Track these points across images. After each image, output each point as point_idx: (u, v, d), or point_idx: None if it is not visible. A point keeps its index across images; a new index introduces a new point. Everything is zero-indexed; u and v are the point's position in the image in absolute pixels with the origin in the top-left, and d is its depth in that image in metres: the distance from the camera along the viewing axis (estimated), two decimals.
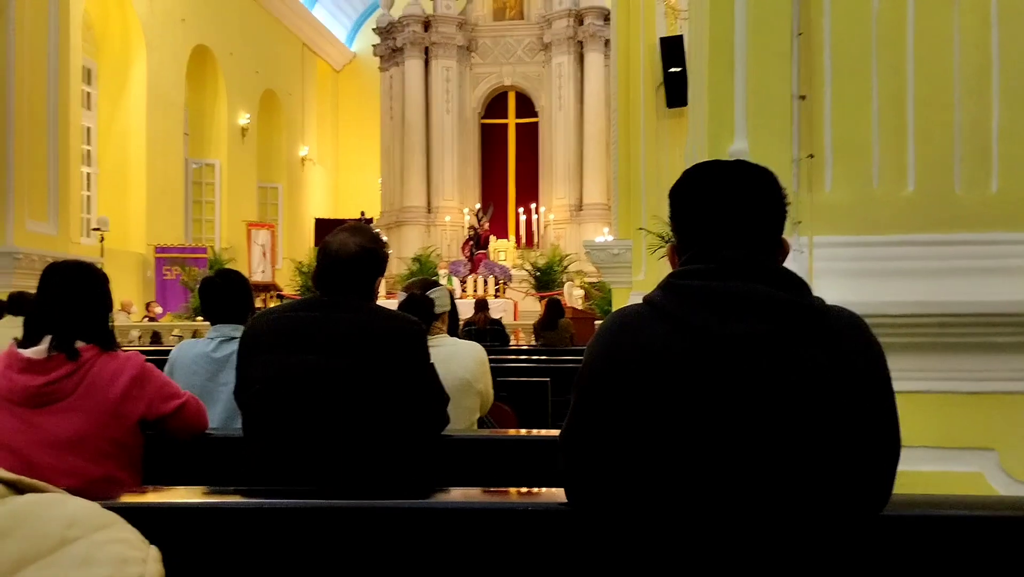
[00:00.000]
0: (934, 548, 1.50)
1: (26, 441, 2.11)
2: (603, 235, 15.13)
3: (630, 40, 7.43)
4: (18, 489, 0.70)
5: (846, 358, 1.32)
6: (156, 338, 10.99)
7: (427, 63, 20.16)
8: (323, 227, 19.44)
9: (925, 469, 2.22)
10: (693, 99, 2.93)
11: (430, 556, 1.58)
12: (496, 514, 1.60)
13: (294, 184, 23.08)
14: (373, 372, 2.09)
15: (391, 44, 20.66)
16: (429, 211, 20.25)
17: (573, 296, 14.70)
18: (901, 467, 1.38)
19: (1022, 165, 2.37)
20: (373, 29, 21.51)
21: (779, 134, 2.46)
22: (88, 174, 15.73)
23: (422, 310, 3.00)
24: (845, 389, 1.30)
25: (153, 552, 0.72)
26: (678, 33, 6.57)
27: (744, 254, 1.36)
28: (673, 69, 6.35)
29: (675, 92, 6.35)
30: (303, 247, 19.53)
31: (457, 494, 1.71)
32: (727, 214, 1.39)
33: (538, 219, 19.67)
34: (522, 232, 19.79)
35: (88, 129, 15.69)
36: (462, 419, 3.04)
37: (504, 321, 10.49)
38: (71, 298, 2.23)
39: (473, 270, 17.78)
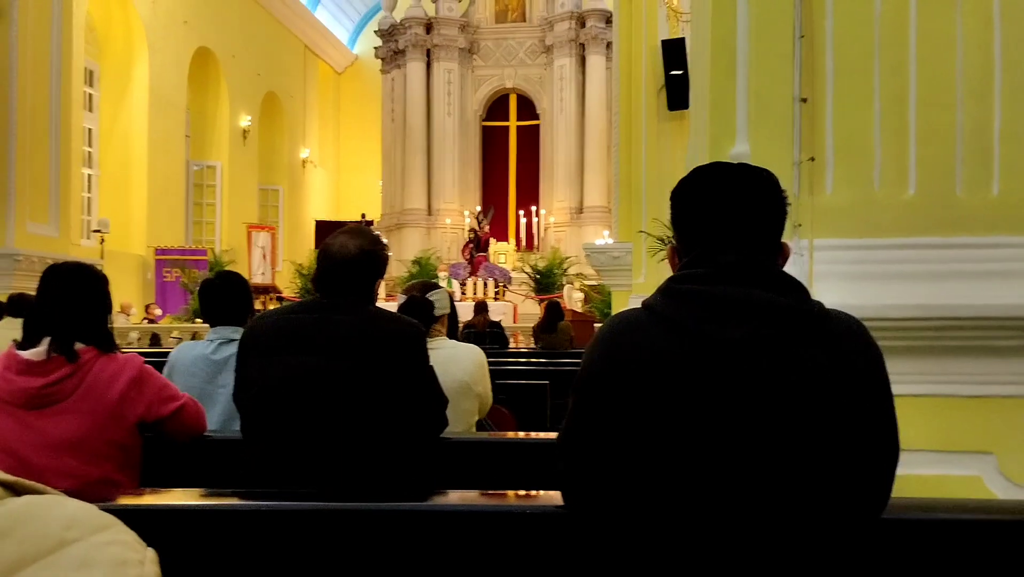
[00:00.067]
0: (933, 552, 1.51)
1: (24, 443, 2.10)
2: (603, 238, 15.10)
3: (632, 43, 7.44)
4: (16, 491, 0.70)
5: (846, 360, 1.31)
6: (155, 340, 10.98)
7: (429, 65, 20.17)
8: (323, 229, 19.41)
9: (924, 472, 2.21)
10: (695, 102, 2.93)
11: (428, 559, 1.58)
12: (494, 517, 1.60)
13: (295, 186, 23.09)
14: (372, 374, 2.09)
15: (393, 46, 20.67)
16: (430, 213, 20.26)
17: (573, 299, 14.69)
18: (900, 470, 1.38)
19: None
20: (375, 31, 21.52)
21: (780, 137, 2.46)
22: (89, 176, 15.75)
23: (422, 312, 3.00)
24: (844, 392, 1.30)
25: (151, 554, 0.72)
26: (680, 36, 6.58)
27: (744, 258, 1.36)
28: (675, 72, 6.36)
29: (676, 95, 6.36)
30: (303, 249, 19.53)
31: (455, 497, 1.71)
32: (728, 217, 1.39)
33: (538, 222, 19.66)
34: (522, 235, 19.79)
35: (89, 131, 15.72)
36: (461, 422, 3.04)
37: (503, 324, 10.48)
38: (70, 300, 2.23)
39: (473, 273, 17.77)
